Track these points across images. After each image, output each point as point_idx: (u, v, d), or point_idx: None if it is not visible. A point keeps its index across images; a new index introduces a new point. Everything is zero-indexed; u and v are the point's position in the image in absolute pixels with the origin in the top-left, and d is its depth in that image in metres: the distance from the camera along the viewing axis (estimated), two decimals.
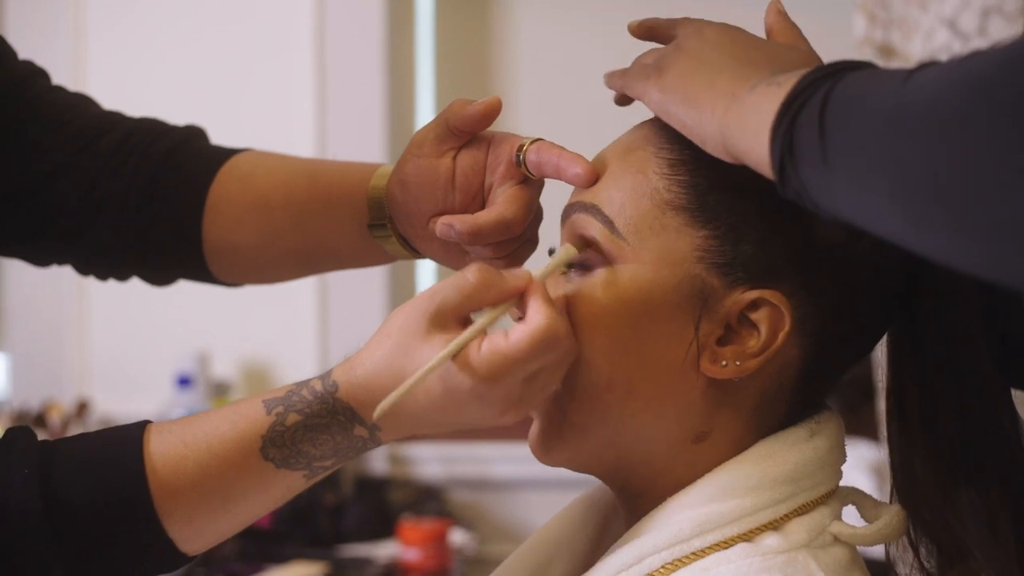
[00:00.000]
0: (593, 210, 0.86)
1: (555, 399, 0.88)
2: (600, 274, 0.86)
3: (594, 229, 0.86)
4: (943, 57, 2.21)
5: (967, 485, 0.83)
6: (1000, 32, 1.98)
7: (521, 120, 2.81)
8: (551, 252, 0.91)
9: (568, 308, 0.86)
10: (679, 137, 0.85)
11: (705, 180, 0.84)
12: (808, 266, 0.84)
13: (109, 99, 2.67)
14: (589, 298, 0.85)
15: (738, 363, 0.84)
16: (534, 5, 2.81)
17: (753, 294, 0.83)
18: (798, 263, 0.84)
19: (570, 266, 0.88)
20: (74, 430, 2.46)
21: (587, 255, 0.86)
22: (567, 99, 2.81)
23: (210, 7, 2.66)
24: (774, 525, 0.84)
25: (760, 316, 0.84)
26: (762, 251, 0.83)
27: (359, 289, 2.66)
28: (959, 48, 2.16)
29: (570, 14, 2.80)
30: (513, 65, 2.81)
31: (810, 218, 0.80)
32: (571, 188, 0.92)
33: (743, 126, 0.77)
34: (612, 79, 0.93)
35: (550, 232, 0.93)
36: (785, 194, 0.74)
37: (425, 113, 2.80)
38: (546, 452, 0.89)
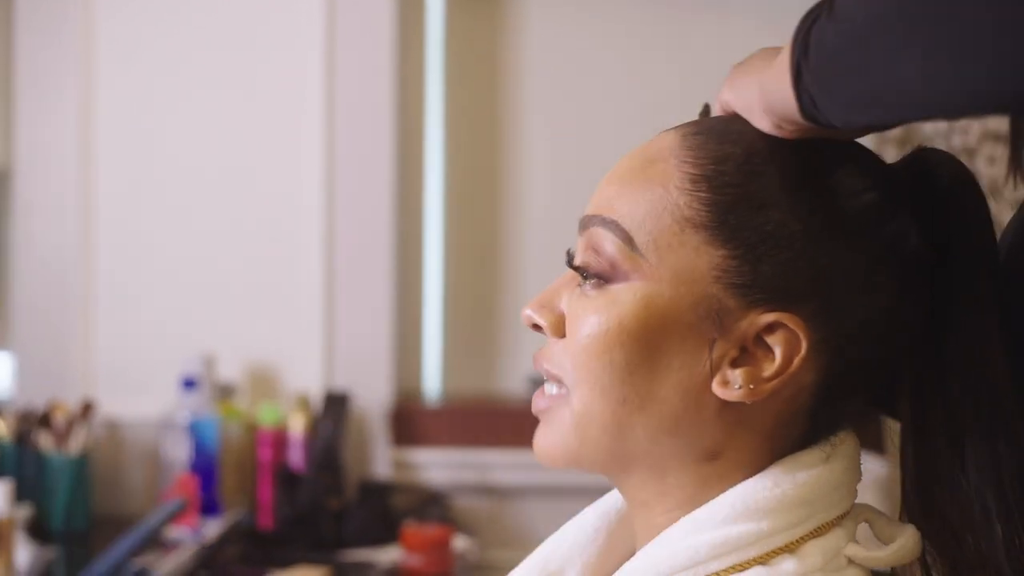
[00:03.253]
0: (612, 225, 0.86)
1: (564, 407, 0.88)
2: (617, 290, 0.86)
3: (612, 244, 0.86)
4: None
5: (999, 512, 0.83)
6: None
7: (531, 126, 2.81)
8: (569, 256, 0.91)
9: (582, 323, 0.86)
10: (703, 148, 0.85)
11: (727, 198, 0.84)
12: (827, 290, 0.84)
13: (119, 101, 2.69)
14: (605, 314, 0.85)
15: (752, 386, 0.84)
16: (545, 10, 2.80)
17: (770, 317, 0.83)
18: (817, 287, 0.84)
19: (586, 279, 0.87)
20: (79, 431, 2.47)
21: (604, 269, 0.86)
22: (578, 104, 2.81)
23: (221, 10, 2.66)
24: (790, 548, 0.84)
25: (776, 339, 0.83)
26: (781, 273, 0.83)
27: (365, 292, 2.66)
28: None
29: (581, 19, 2.80)
30: (523, 70, 2.81)
31: (832, 241, 0.81)
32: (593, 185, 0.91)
33: (775, 77, 0.82)
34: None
35: (569, 237, 0.92)
36: (802, 104, 0.79)
37: (434, 119, 2.80)
38: (550, 458, 0.90)
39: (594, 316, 0.86)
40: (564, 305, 0.89)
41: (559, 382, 0.89)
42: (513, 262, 2.80)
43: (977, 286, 0.86)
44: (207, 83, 2.66)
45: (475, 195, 2.83)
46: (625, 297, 0.85)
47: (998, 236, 0.91)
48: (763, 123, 0.85)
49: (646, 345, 0.84)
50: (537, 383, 0.93)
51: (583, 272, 0.88)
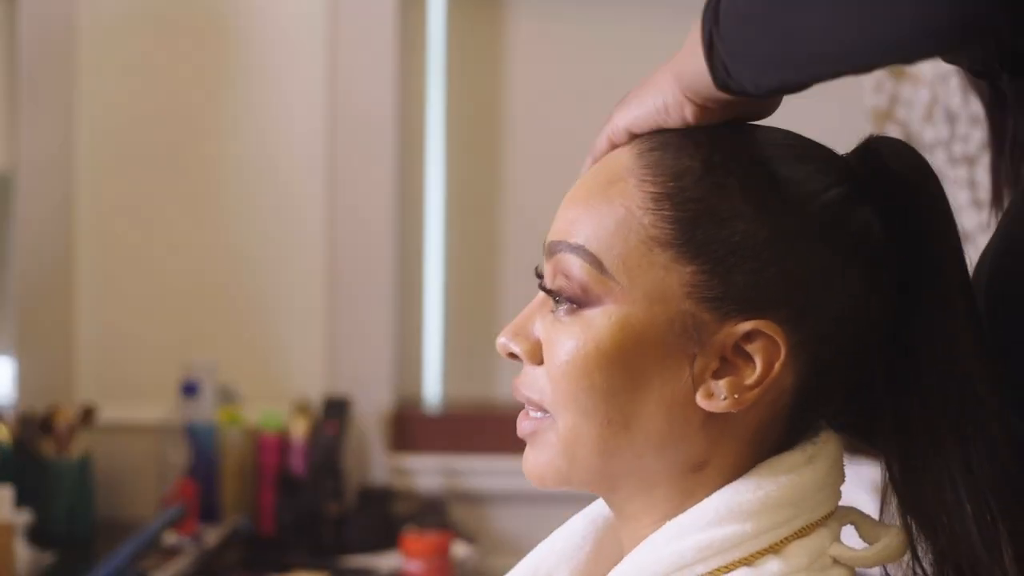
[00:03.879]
0: (579, 250, 0.86)
1: (550, 431, 0.88)
2: (591, 315, 0.86)
3: (581, 269, 0.86)
4: (954, 80, 2.23)
5: (968, 495, 0.84)
6: None
7: (533, 132, 2.81)
8: (539, 274, 0.91)
9: (559, 349, 0.86)
10: (660, 165, 0.86)
11: (690, 214, 0.84)
12: (800, 293, 0.84)
13: (119, 107, 2.69)
14: (581, 339, 0.85)
15: (736, 396, 0.84)
16: (546, 14, 2.81)
17: (747, 326, 0.84)
18: (790, 291, 0.84)
19: (557, 304, 0.87)
20: (79, 436, 2.47)
21: (576, 294, 0.86)
22: (580, 110, 2.81)
23: (221, 14, 2.67)
24: (774, 549, 0.84)
25: (755, 347, 0.84)
26: (753, 282, 0.84)
27: (366, 298, 2.67)
28: None
29: (582, 23, 2.80)
30: (525, 75, 2.81)
31: (799, 244, 0.82)
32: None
33: (686, 56, 0.84)
34: (584, 171, 0.94)
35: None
36: (716, 74, 0.81)
37: (435, 125, 2.80)
38: (540, 480, 0.90)
39: (570, 342, 0.86)
40: (539, 331, 0.89)
41: (541, 409, 0.89)
42: (514, 270, 2.80)
43: (942, 274, 0.87)
44: (207, 87, 2.67)
45: (476, 202, 2.83)
46: (600, 321, 0.85)
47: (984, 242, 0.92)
48: (687, 110, 0.87)
49: (625, 367, 0.84)
50: None
51: (555, 297, 0.87)
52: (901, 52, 0.78)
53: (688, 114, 0.87)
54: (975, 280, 0.95)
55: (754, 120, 0.90)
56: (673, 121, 0.88)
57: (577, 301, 0.86)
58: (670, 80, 0.87)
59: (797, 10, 0.77)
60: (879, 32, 0.75)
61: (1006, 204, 1.03)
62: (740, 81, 0.82)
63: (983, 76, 1.00)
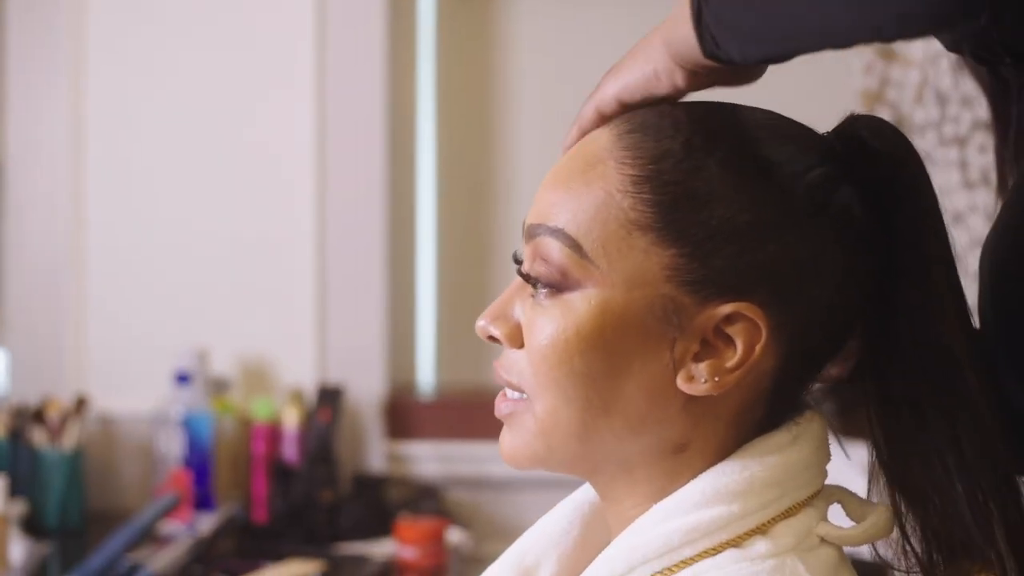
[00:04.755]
0: (559, 234, 0.86)
1: (527, 413, 0.88)
2: (571, 298, 0.85)
3: (561, 253, 0.85)
4: (944, 62, 2.23)
5: (959, 475, 0.84)
6: None
7: (523, 121, 2.81)
8: (517, 260, 0.90)
9: (539, 332, 0.86)
10: (640, 147, 0.85)
11: (669, 197, 0.84)
12: (780, 275, 0.84)
13: (110, 97, 2.69)
14: (561, 323, 0.85)
15: (716, 379, 0.84)
16: (536, 5, 2.80)
17: (727, 308, 0.83)
18: (770, 273, 0.84)
19: (536, 287, 0.87)
20: (72, 427, 2.47)
21: (555, 278, 0.86)
22: (569, 100, 2.80)
23: (211, 6, 2.66)
24: (762, 529, 0.84)
25: (736, 330, 0.84)
26: (733, 265, 0.83)
27: (358, 285, 2.66)
28: None
29: (572, 15, 2.80)
30: (515, 66, 2.81)
31: (780, 226, 0.81)
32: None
33: (675, 24, 0.85)
34: (568, 141, 0.93)
35: (515, 240, 0.92)
36: (704, 43, 0.83)
37: (426, 113, 2.80)
38: (515, 462, 0.90)
39: (550, 326, 0.85)
40: (518, 314, 0.89)
41: (520, 391, 0.89)
42: (505, 256, 2.80)
43: (924, 252, 0.87)
44: (197, 79, 2.66)
45: (467, 189, 2.83)
46: (580, 305, 0.84)
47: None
48: (677, 76, 0.87)
49: (606, 350, 0.84)
50: None
51: (535, 282, 0.87)
52: (882, 29, 0.78)
53: (679, 80, 0.87)
54: (980, 263, 0.95)
55: (742, 84, 0.90)
56: (664, 88, 0.88)
57: (556, 285, 0.86)
58: (659, 48, 0.87)
59: None
60: (861, 7, 0.75)
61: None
62: (727, 50, 0.83)
63: (985, 63, 1.00)
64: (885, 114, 2.23)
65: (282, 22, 2.65)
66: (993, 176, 2.18)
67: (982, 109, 2.17)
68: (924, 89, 2.22)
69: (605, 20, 2.79)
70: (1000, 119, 1.03)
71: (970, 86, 2.16)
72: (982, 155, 2.17)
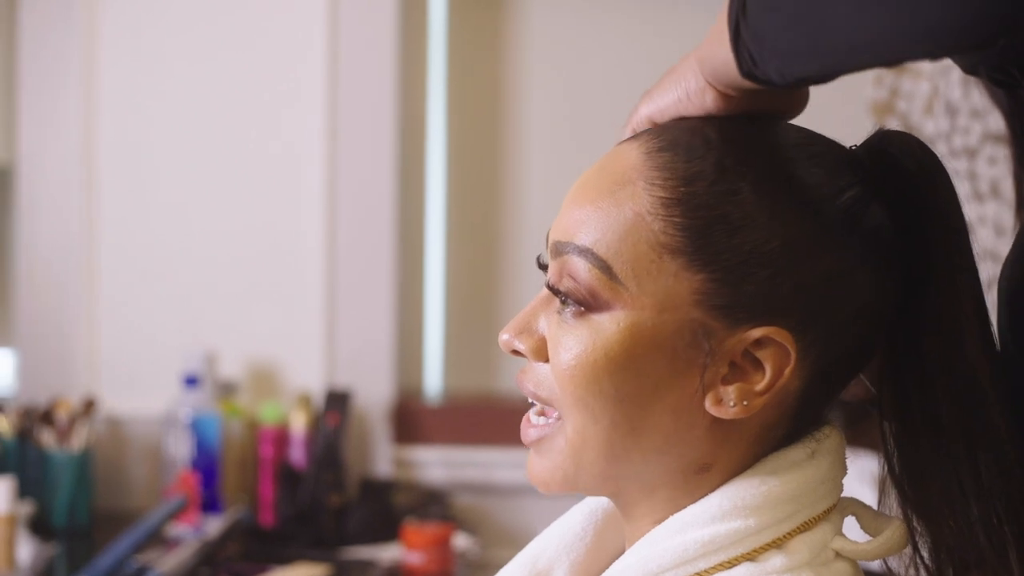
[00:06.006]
0: (588, 254, 0.85)
1: (559, 435, 0.87)
2: (600, 320, 0.84)
3: (590, 274, 0.84)
4: (954, 73, 2.22)
5: (975, 498, 0.84)
6: None
7: (534, 126, 2.81)
8: (541, 264, 0.90)
9: (566, 352, 0.85)
10: (671, 168, 0.84)
11: (701, 221, 0.83)
12: (811, 299, 0.83)
13: (121, 100, 2.69)
14: (590, 344, 0.84)
15: (745, 403, 0.83)
16: (547, 7, 2.80)
17: (757, 333, 0.83)
18: (801, 297, 0.83)
19: (566, 304, 0.86)
20: (80, 428, 2.47)
21: (584, 298, 0.85)
22: (581, 103, 2.81)
23: (223, 9, 2.66)
24: (777, 544, 0.84)
25: (765, 354, 0.83)
26: (764, 291, 0.83)
27: (367, 289, 2.67)
28: None
29: (583, 16, 2.80)
30: (526, 68, 2.81)
31: (812, 251, 0.81)
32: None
33: (712, 44, 0.83)
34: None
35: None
36: (741, 62, 0.81)
37: (436, 118, 2.80)
38: (546, 486, 0.89)
39: (578, 347, 0.84)
40: (543, 327, 0.88)
41: (549, 405, 0.88)
42: (514, 261, 2.81)
43: (951, 269, 0.86)
44: (209, 81, 2.67)
45: (477, 194, 2.84)
46: (609, 327, 0.84)
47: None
48: (708, 98, 0.85)
49: (635, 373, 0.83)
50: None
51: (564, 298, 0.86)
52: (930, 45, 0.76)
53: (709, 101, 0.86)
54: (998, 285, 0.95)
55: (777, 110, 0.88)
56: (694, 109, 0.87)
57: (585, 304, 0.84)
58: (693, 67, 0.86)
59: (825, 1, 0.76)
60: (908, 24, 0.73)
61: None
62: (765, 70, 0.81)
63: (1003, 85, 0.99)
64: (895, 125, 2.23)
65: (294, 26, 2.66)
66: (1002, 187, 2.19)
67: (992, 121, 2.17)
68: (934, 100, 2.22)
69: (616, 23, 2.79)
70: (1018, 140, 1.03)
71: (980, 98, 2.17)
72: (992, 167, 2.17)
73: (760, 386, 0.83)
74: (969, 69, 0.97)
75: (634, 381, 0.84)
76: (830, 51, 0.78)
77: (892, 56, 0.78)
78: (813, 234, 0.83)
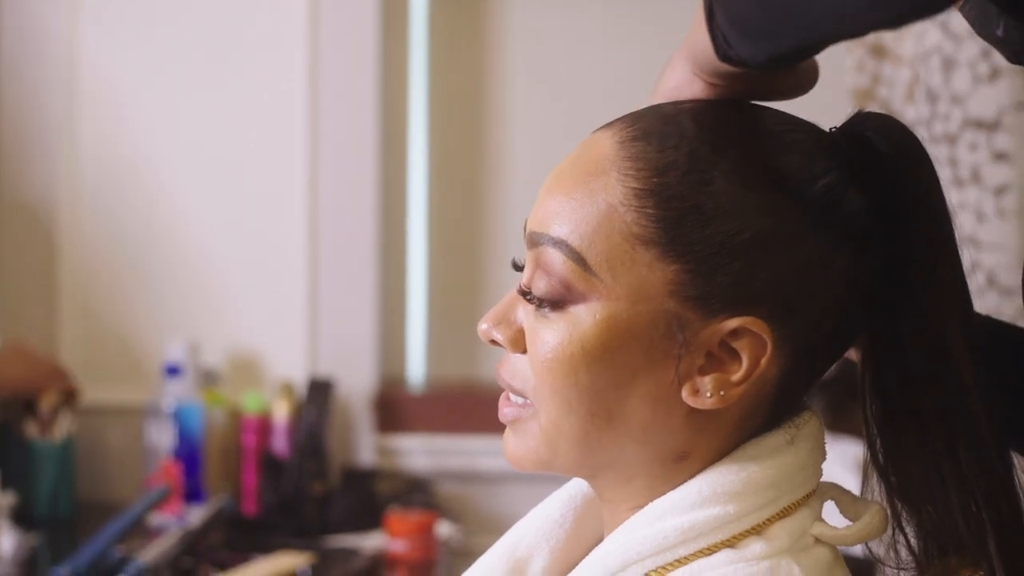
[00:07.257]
0: (561, 245, 0.84)
1: (532, 420, 0.87)
2: (575, 311, 0.84)
3: (564, 266, 0.84)
4: (935, 59, 2.23)
5: (954, 484, 0.84)
6: None
7: (515, 116, 2.81)
8: (516, 266, 0.90)
9: (542, 344, 0.85)
10: (644, 158, 0.83)
11: (674, 212, 0.82)
12: (786, 288, 0.83)
13: (105, 93, 2.68)
14: (566, 336, 0.84)
15: (722, 393, 0.83)
16: (528, 5, 2.80)
17: (732, 323, 0.82)
18: (776, 287, 0.82)
19: (539, 307, 0.86)
20: (63, 418, 2.46)
21: (558, 290, 0.84)
22: (561, 97, 2.81)
23: (205, 6, 2.66)
24: (757, 530, 0.84)
25: (741, 344, 0.82)
26: (738, 280, 0.82)
27: (349, 279, 2.67)
28: (951, 49, 2.17)
29: (564, 13, 2.80)
30: (507, 61, 2.81)
31: (787, 241, 0.81)
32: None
33: (693, 31, 0.83)
34: None
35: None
36: (717, 44, 0.80)
37: (418, 108, 2.80)
38: (520, 466, 0.89)
39: (554, 338, 0.84)
40: (521, 317, 0.88)
41: (523, 396, 0.88)
42: (496, 250, 2.81)
43: (931, 254, 0.85)
44: (191, 74, 2.66)
45: (458, 183, 2.83)
46: (584, 319, 0.83)
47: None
48: (696, 87, 0.85)
49: (610, 364, 0.83)
50: None
51: (538, 302, 0.86)
52: (891, 13, 0.75)
53: (698, 92, 0.85)
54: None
55: (762, 97, 0.87)
56: (687, 92, 0.86)
57: (560, 299, 0.84)
58: (682, 58, 0.85)
59: None
60: None
61: None
62: (739, 51, 0.80)
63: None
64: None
65: (276, 22, 2.65)
66: (983, 173, 2.19)
67: (973, 107, 2.18)
68: (915, 87, 2.23)
69: (597, 20, 2.79)
70: None
71: (960, 84, 2.17)
72: (972, 153, 2.17)
73: (737, 376, 0.83)
74: (1013, 58, 0.95)
75: (610, 372, 0.83)
76: (795, 26, 0.77)
77: (854, 26, 0.77)
78: (788, 223, 0.82)
